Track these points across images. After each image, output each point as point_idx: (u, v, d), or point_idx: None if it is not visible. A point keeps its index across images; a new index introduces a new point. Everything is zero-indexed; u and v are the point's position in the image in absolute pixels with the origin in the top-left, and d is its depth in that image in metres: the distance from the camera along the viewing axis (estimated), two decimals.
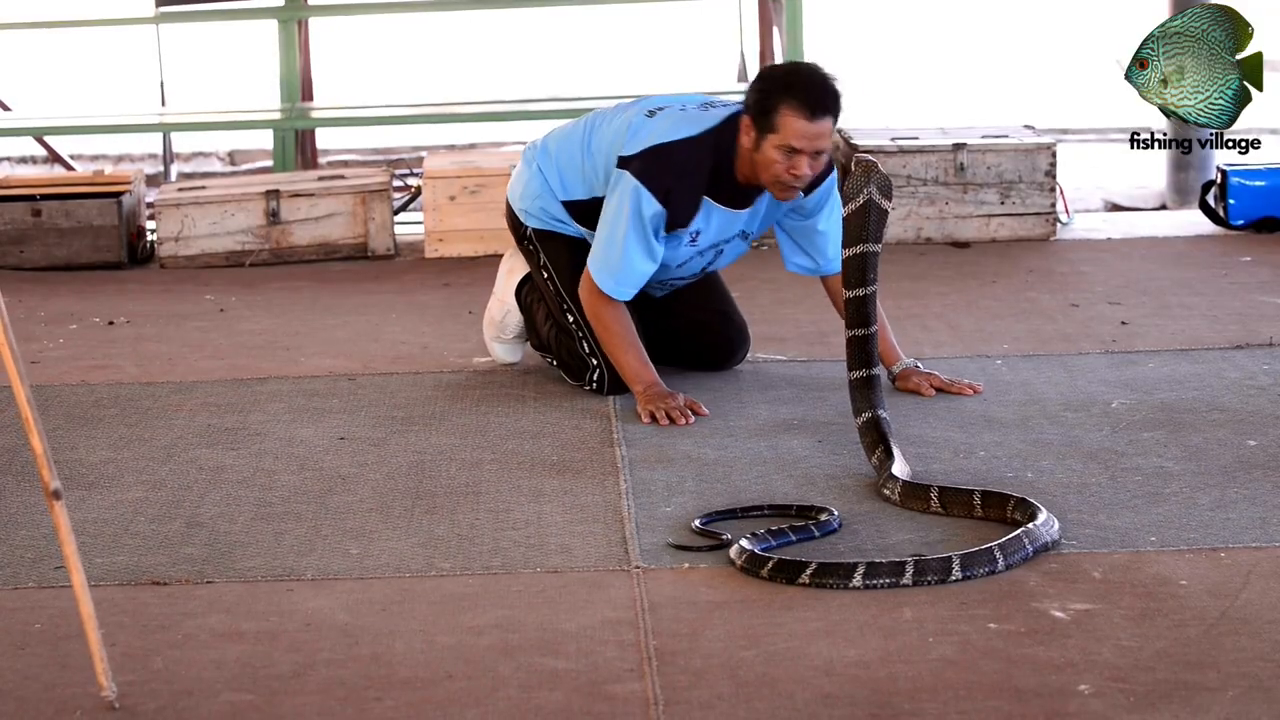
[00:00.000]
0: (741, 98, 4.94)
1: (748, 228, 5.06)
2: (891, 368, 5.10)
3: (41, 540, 4.03)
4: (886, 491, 4.20)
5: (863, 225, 4.48)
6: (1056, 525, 3.89)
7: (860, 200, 4.48)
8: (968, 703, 3.16)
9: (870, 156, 4.56)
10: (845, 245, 4.52)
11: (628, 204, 4.86)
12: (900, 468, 4.27)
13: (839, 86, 4.81)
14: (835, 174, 5.08)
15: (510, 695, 3.24)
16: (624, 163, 4.91)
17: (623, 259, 4.89)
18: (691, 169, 4.89)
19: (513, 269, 5.40)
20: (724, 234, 5.03)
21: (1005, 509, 4.02)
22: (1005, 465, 4.40)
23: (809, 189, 4.98)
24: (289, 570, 3.85)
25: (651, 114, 4.99)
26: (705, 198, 4.93)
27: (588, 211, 5.06)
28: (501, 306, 5.38)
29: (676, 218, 4.90)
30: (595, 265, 4.93)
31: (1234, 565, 3.75)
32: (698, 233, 4.98)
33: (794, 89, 4.76)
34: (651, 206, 4.86)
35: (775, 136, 4.77)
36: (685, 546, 3.93)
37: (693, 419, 4.82)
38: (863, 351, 4.53)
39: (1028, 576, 3.71)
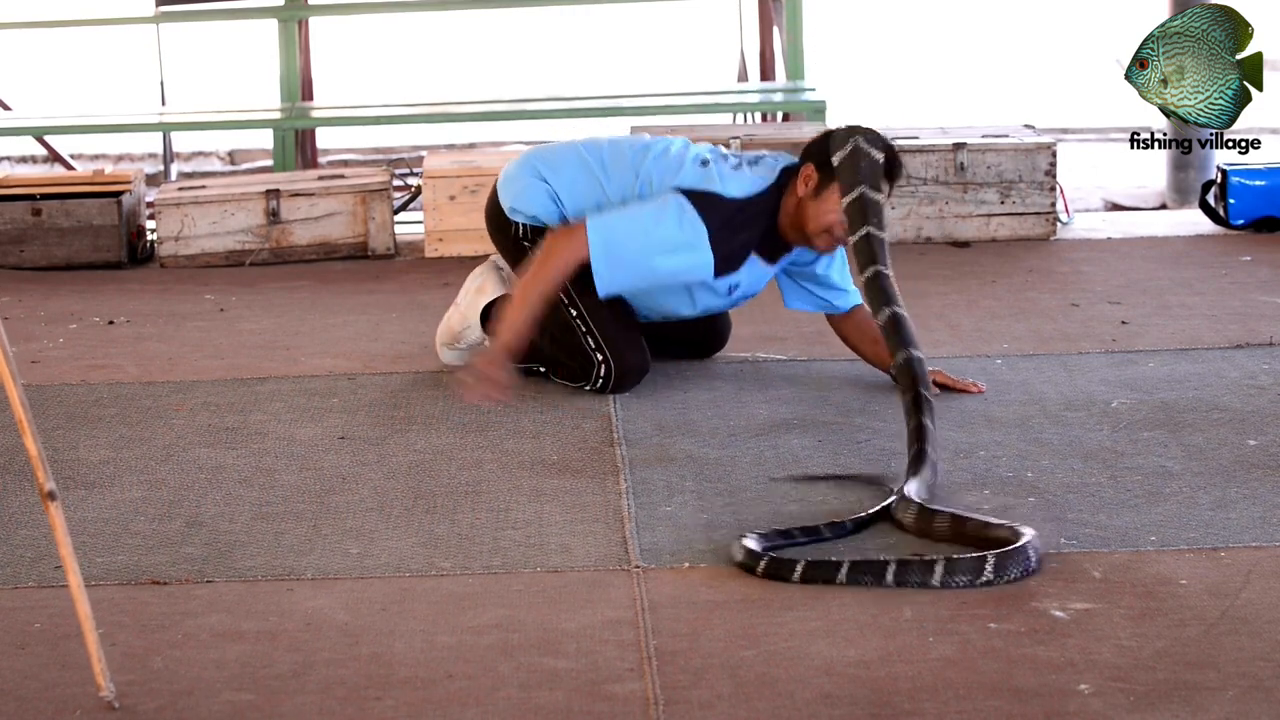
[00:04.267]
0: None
1: (763, 285, 5.16)
2: (891, 366, 5.12)
3: (41, 540, 4.03)
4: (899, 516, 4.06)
5: (861, 211, 4.66)
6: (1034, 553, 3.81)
7: (848, 147, 4.70)
8: (968, 703, 3.16)
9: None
10: (849, 231, 4.69)
11: (671, 213, 4.89)
12: (917, 487, 4.12)
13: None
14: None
15: (510, 695, 3.24)
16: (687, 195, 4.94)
17: (625, 241, 4.89)
18: (747, 227, 4.95)
19: (482, 287, 5.36)
20: (757, 285, 5.12)
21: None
22: (1005, 465, 4.40)
23: None
24: (289, 570, 3.85)
25: (705, 163, 5.01)
26: (752, 255, 5.00)
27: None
28: (463, 320, 5.37)
29: (720, 267, 4.94)
30: (597, 233, 4.90)
31: (1234, 565, 3.75)
32: (736, 285, 5.05)
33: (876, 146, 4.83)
34: (702, 255, 4.89)
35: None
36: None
37: (490, 403, 4.92)
38: (901, 331, 4.58)
39: (1028, 576, 3.71)
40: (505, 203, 5.21)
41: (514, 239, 5.20)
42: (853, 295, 5.21)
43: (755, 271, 5.06)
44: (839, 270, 5.19)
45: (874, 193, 4.69)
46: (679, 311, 5.16)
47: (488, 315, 5.32)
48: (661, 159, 5.05)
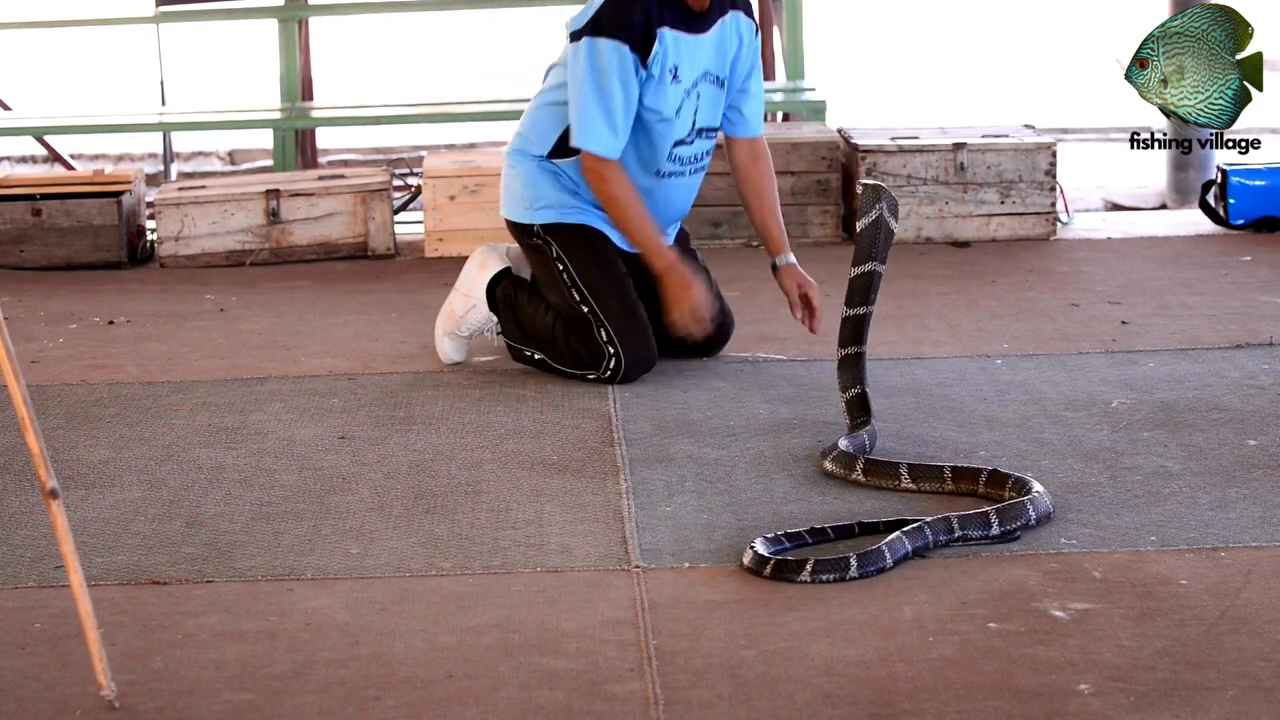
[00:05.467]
0: None
1: (716, 70, 5.16)
2: (775, 258, 5.32)
3: (41, 540, 4.03)
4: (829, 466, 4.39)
5: (873, 242, 4.62)
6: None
7: (872, 216, 4.62)
8: (968, 703, 3.16)
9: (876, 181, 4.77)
10: (855, 263, 4.64)
11: (584, 60, 5.02)
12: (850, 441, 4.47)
13: None
14: (758, 37, 5.29)
15: (510, 695, 3.24)
16: (574, 36, 5.07)
17: (597, 113, 5.00)
18: (639, 1, 5.03)
19: (485, 263, 5.43)
20: (696, 66, 5.13)
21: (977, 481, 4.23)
22: (1005, 465, 4.40)
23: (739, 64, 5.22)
24: (289, 570, 3.85)
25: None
26: (664, 29, 5.04)
27: (565, 145, 5.18)
28: (466, 301, 5.40)
29: (639, 48, 5.00)
30: (579, 136, 5.05)
31: (1234, 565, 3.75)
32: (676, 68, 5.08)
33: None
34: (611, 46, 4.99)
35: None
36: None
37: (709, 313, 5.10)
38: (853, 371, 4.67)
39: (1028, 576, 3.71)
40: (514, 217, 5.32)
41: (532, 238, 5.28)
42: (752, 127, 5.32)
43: (689, 46, 5.09)
44: (756, 96, 5.30)
45: (882, 265, 4.66)
46: (665, 144, 5.20)
47: (493, 294, 5.35)
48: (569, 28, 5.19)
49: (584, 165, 5.07)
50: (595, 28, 5.02)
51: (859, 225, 4.66)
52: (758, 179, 5.34)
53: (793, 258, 5.31)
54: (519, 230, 5.31)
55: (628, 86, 5.01)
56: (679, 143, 5.18)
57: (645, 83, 5.04)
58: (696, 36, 5.10)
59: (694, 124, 5.19)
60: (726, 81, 5.21)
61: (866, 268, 4.63)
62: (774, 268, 5.31)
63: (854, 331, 4.66)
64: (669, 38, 5.04)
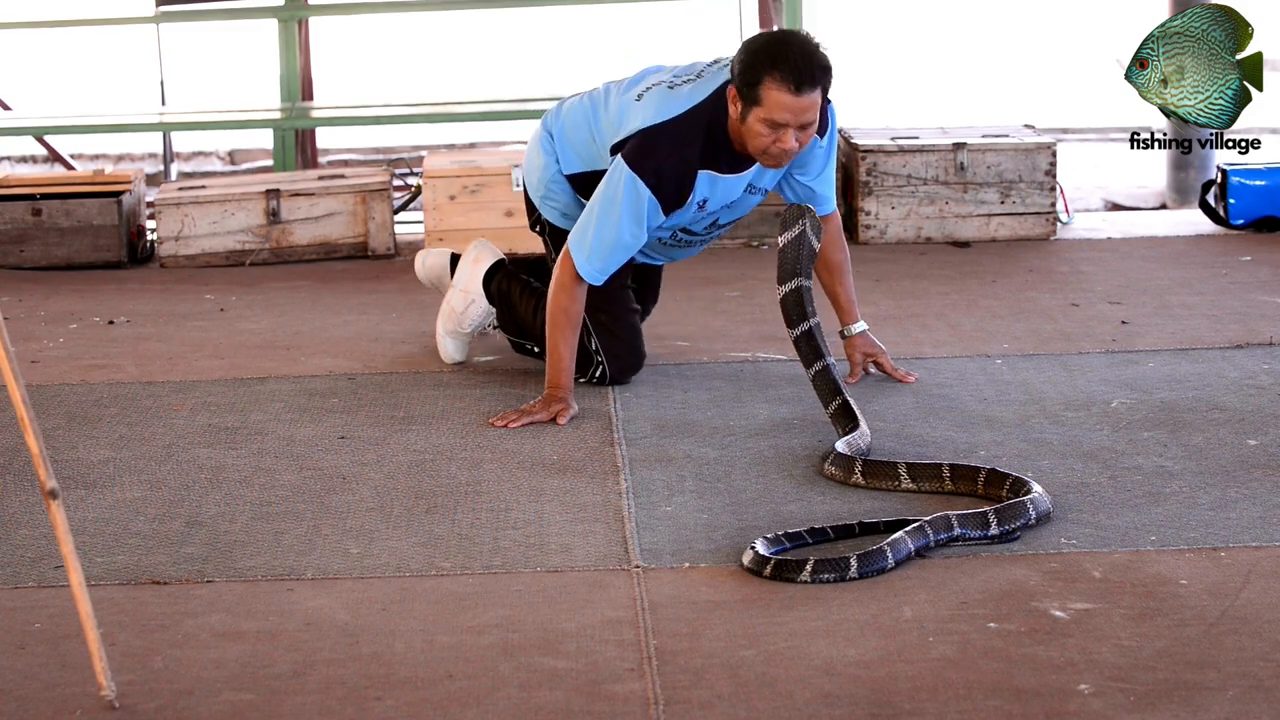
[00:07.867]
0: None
1: (756, 182, 4.95)
2: (845, 326, 5.22)
3: (42, 540, 4.03)
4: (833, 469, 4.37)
5: (796, 259, 4.67)
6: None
7: (796, 230, 4.67)
8: (968, 703, 3.16)
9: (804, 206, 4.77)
10: (781, 281, 4.69)
11: (618, 189, 4.79)
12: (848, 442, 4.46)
13: (828, 57, 4.66)
14: (835, 130, 5.03)
15: (510, 695, 3.24)
16: (616, 148, 4.89)
17: (600, 241, 4.82)
18: (680, 149, 4.78)
19: (478, 258, 5.42)
20: (730, 196, 4.94)
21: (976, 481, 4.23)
22: (1005, 465, 4.40)
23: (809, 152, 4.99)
24: (289, 570, 3.85)
25: (640, 96, 4.92)
26: (704, 171, 4.82)
27: (587, 184, 5.05)
28: (464, 298, 5.39)
29: (668, 200, 4.80)
30: (574, 242, 4.87)
31: (1234, 565, 3.75)
32: (704, 200, 4.90)
33: (779, 61, 4.60)
34: (641, 192, 4.76)
35: (760, 110, 4.64)
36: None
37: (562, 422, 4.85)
38: (827, 385, 4.68)
39: (1028, 576, 3.71)
40: (533, 194, 5.22)
41: (536, 225, 5.24)
42: (827, 205, 5.09)
43: (725, 184, 4.88)
44: (825, 183, 5.06)
45: (807, 281, 4.67)
46: (667, 244, 5.14)
47: (488, 288, 5.35)
48: (618, 92, 5.00)
49: (561, 261, 4.87)
50: (636, 163, 4.77)
51: (781, 241, 4.68)
52: (834, 263, 5.17)
53: (864, 325, 5.21)
54: (527, 204, 5.27)
55: (636, 231, 4.82)
56: (687, 230, 5.06)
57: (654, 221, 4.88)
58: (736, 176, 4.89)
59: (713, 222, 5.05)
60: (769, 186, 5.01)
61: (793, 284, 4.67)
62: (842, 335, 5.22)
63: (810, 348, 4.68)
64: (705, 178, 4.84)
